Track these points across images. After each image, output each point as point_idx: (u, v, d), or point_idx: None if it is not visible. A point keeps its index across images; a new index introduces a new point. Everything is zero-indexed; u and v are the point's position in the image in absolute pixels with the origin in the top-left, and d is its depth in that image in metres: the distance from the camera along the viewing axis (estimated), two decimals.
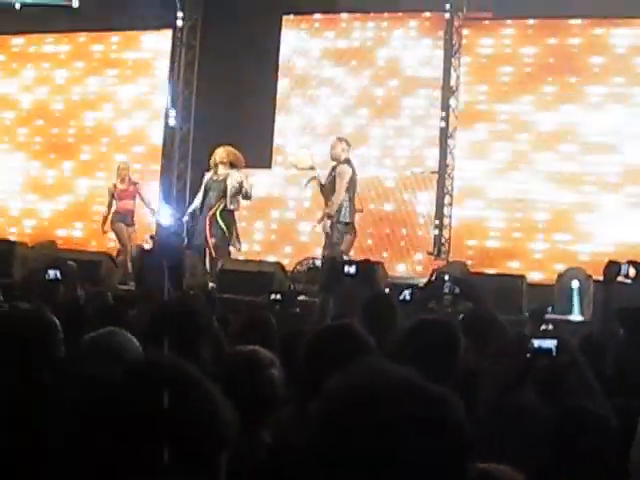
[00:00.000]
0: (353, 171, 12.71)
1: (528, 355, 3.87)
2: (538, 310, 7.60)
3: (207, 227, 13.43)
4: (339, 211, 12.41)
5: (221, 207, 13.49)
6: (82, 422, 1.76)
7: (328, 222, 12.44)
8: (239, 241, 13.67)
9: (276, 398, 3.53)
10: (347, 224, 12.59)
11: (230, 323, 6.47)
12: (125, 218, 14.68)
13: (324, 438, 1.54)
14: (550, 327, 7.71)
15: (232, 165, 13.73)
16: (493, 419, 3.78)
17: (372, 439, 1.48)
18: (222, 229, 13.36)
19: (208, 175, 13.84)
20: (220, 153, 13.89)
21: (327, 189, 12.60)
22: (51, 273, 7.59)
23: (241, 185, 13.41)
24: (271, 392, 3.51)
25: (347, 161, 12.78)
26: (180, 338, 3.73)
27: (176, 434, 1.69)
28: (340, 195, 12.33)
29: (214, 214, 13.50)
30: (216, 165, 13.83)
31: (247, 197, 13.58)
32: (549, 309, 7.86)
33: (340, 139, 13.18)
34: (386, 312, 5.80)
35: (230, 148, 13.96)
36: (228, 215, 13.47)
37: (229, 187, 13.45)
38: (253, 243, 15.65)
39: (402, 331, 4.03)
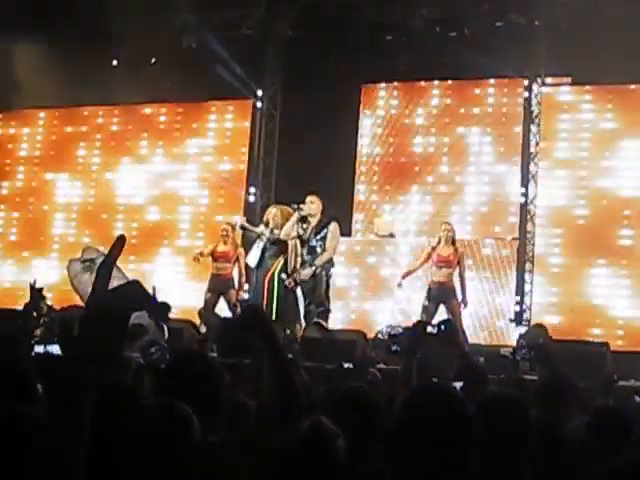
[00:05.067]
0: None
1: None
2: (606, 378, 7.52)
3: (265, 290, 13.28)
4: None
5: (279, 267, 13.35)
6: None
7: None
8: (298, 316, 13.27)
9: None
10: None
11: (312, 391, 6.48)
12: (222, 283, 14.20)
13: None
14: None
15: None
16: None
17: None
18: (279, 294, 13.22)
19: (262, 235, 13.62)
20: (274, 214, 13.67)
21: None
22: None
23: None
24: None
25: None
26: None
27: None
28: None
29: (272, 276, 13.35)
30: (267, 225, 13.60)
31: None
32: (615, 377, 7.74)
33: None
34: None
35: (284, 208, 13.68)
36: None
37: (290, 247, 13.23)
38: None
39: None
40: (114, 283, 1.94)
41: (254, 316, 4.09)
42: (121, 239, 1.97)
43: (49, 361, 5.87)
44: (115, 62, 17.82)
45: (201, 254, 14.51)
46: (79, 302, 11.80)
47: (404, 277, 13.89)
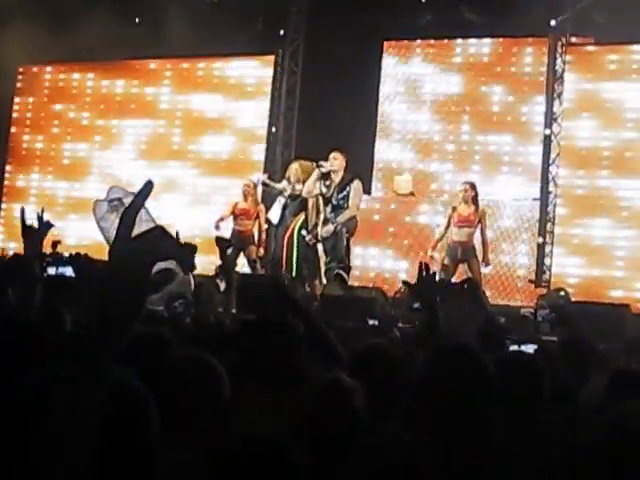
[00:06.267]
0: None
1: None
2: (632, 340, 7.44)
3: (285, 246, 13.35)
4: None
5: (299, 224, 13.38)
6: None
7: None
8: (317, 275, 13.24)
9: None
10: None
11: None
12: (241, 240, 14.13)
13: None
14: None
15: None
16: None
17: None
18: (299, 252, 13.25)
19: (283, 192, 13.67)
20: (295, 168, 13.70)
21: None
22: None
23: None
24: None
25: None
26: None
27: None
28: None
29: (292, 232, 13.39)
30: (289, 181, 13.63)
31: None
32: None
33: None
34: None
35: (305, 163, 13.64)
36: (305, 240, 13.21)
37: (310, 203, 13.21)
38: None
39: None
40: (143, 227, 1.86)
41: (278, 290, 4.10)
42: (149, 184, 1.92)
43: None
44: (138, 19, 17.75)
45: (221, 219, 14.45)
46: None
47: (434, 248, 13.81)
